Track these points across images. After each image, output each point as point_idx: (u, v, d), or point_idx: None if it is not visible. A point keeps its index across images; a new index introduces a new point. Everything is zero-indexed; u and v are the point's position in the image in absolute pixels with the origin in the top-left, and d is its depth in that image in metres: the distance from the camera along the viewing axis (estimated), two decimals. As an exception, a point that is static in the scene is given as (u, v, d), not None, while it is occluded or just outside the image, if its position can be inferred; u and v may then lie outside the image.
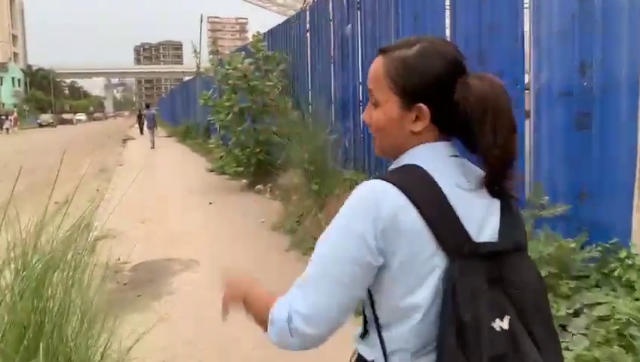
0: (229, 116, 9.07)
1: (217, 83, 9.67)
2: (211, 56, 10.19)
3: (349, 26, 7.06)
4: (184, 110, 29.53)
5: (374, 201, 0.95)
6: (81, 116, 79.24)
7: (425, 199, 0.95)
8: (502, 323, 0.92)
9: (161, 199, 8.70)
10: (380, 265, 0.96)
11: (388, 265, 0.96)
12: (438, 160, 1.01)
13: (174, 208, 7.92)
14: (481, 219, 0.99)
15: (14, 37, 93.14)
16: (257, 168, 9.29)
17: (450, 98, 0.98)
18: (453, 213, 0.95)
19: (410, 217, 0.93)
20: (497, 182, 1.01)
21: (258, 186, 9.15)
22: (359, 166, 6.67)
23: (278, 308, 1.00)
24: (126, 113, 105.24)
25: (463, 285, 0.91)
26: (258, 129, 9.03)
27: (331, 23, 7.71)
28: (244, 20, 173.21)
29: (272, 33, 10.68)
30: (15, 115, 50.72)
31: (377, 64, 1.05)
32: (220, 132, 9.99)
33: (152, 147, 20.43)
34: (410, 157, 1.02)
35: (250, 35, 12.87)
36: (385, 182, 0.96)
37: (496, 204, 1.03)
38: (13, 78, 72.71)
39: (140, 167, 13.75)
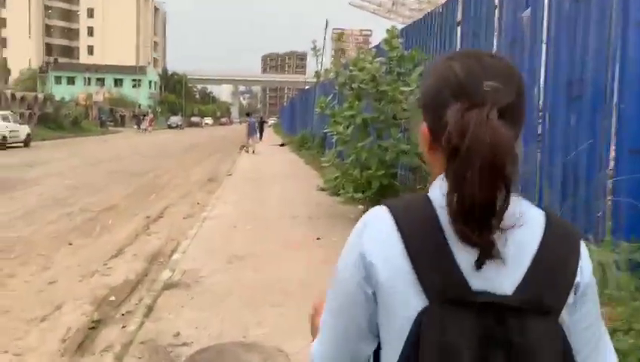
0: (349, 129, 7.32)
1: (338, 87, 7.98)
2: (332, 58, 8.50)
3: (528, 10, 5.00)
4: (302, 119, 28.66)
5: (360, 236, 0.87)
6: (208, 120, 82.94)
7: (415, 229, 0.83)
8: None
9: (260, 226, 7.14)
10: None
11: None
12: (442, 192, 0.83)
13: (272, 242, 6.29)
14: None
15: (155, 43, 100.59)
16: (379, 195, 7.44)
17: (439, 123, 0.83)
18: (446, 248, 0.80)
19: (394, 249, 0.83)
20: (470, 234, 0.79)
21: (379, 218, 7.31)
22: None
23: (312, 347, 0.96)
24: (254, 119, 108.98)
25: (432, 337, 0.78)
26: (384, 146, 7.17)
27: (496, 10, 5.70)
28: (368, 32, 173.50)
29: (407, 32, 8.81)
30: (151, 115, 53.98)
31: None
32: (336, 146, 8.27)
33: (252, 152, 21.23)
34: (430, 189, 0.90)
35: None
36: (383, 208, 0.87)
37: (528, 247, 0.82)
38: (150, 81, 77.99)
39: (248, 179, 12.51)
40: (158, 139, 33.57)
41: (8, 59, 71.18)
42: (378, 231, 0.85)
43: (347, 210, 8.10)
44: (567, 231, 0.87)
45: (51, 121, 33.01)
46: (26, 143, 21.89)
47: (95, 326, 3.98)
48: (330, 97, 8.13)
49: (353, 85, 7.48)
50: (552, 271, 0.82)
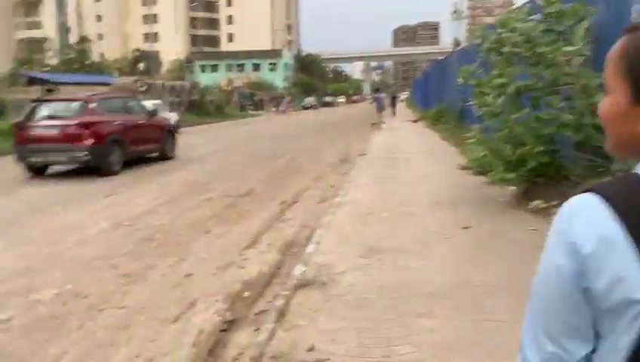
0: (500, 99, 6.38)
1: (485, 53, 7.03)
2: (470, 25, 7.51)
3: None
4: (437, 92, 27.27)
5: (570, 225, 0.78)
6: (341, 99, 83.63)
7: (637, 213, 0.74)
8: None
9: (398, 213, 6.55)
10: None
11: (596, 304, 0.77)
12: None
13: (413, 231, 5.67)
14: None
15: (289, 26, 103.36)
16: (536, 175, 6.44)
17: None
18: None
19: (615, 236, 0.74)
20: None
21: (537, 202, 6.31)
22: None
23: None
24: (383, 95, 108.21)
25: None
26: (543, 118, 6.13)
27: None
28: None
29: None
30: (289, 98, 55.03)
31: (619, 43, 0.84)
32: (483, 121, 7.33)
33: (382, 123, 21.47)
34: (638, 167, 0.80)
35: None
36: (592, 195, 0.78)
37: None
38: (285, 64, 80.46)
39: (382, 158, 11.93)
40: (294, 121, 34.31)
41: (160, 52, 77.96)
42: (592, 219, 0.76)
43: (496, 193, 7.19)
44: None
45: (197, 108, 35.27)
46: (175, 130, 23.38)
47: (227, 327, 3.72)
48: (474, 65, 7.19)
49: (503, 49, 6.50)
50: None
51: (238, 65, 76.18)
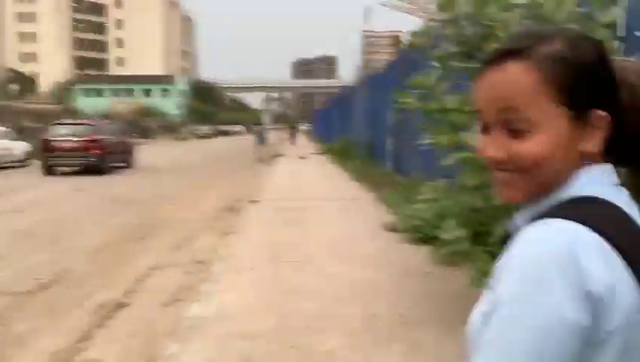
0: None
1: (440, 61, 4.23)
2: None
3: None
4: (340, 124, 25.01)
5: (575, 261, 0.62)
6: (239, 128, 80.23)
7: (631, 243, 0.65)
8: None
9: (293, 330, 3.45)
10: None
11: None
12: (608, 188, 0.72)
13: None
14: None
15: (185, 52, 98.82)
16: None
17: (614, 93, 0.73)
18: None
19: (622, 274, 0.63)
20: None
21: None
22: None
23: None
24: (280, 126, 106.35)
25: None
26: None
27: None
28: (399, 34, 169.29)
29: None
30: (195, 127, 56.63)
31: (514, 73, 0.71)
32: (450, 174, 4.48)
33: (261, 160, 20.22)
34: (575, 189, 0.71)
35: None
36: (581, 227, 0.64)
37: None
38: (179, 90, 75.73)
39: (280, 209, 8.82)
40: (179, 152, 30.38)
41: (40, 74, 70.25)
42: (597, 256, 0.63)
43: (463, 285, 4.32)
44: None
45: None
46: (23, 163, 18.77)
47: None
48: (432, 75, 4.35)
49: (477, 52, 3.77)
50: None
51: (127, 91, 70.40)
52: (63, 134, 15.89)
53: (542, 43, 0.71)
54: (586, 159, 0.72)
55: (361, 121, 17.97)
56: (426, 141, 4.07)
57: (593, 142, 0.72)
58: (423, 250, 5.68)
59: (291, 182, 13.00)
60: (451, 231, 4.40)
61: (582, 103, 0.71)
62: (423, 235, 6.05)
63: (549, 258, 0.62)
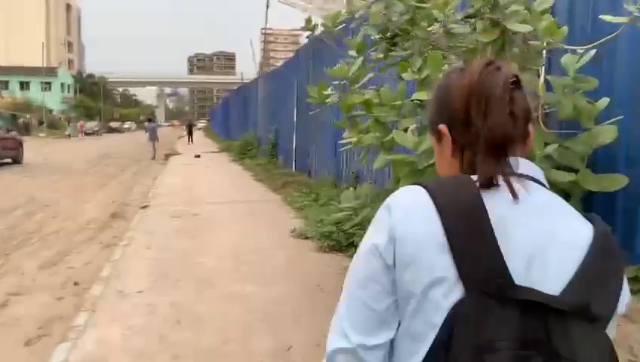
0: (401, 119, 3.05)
1: (359, 45, 3.68)
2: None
3: None
4: (240, 121, 24.12)
5: (391, 206, 0.84)
6: (129, 125, 75.85)
7: (456, 210, 0.78)
8: None
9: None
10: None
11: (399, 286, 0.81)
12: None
13: None
14: (534, 252, 0.77)
15: (70, 44, 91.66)
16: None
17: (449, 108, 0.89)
18: (491, 235, 0.75)
19: (429, 227, 0.78)
20: (491, 177, 0.80)
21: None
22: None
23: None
24: (176, 123, 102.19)
25: (467, 333, 0.71)
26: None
27: None
28: (298, 32, 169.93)
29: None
30: (82, 121, 53.88)
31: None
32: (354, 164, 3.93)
33: (153, 158, 19.75)
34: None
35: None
36: (415, 186, 0.84)
37: (582, 235, 0.80)
38: (62, 84, 69.89)
39: (174, 215, 7.91)
40: (63, 149, 27.77)
41: None
42: (413, 209, 0.80)
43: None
44: (614, 244, 0.81)
45: None
46: None
47: None
48: (353, 61, 3.77)
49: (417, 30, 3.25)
50: (601, 279, 0.77)
51: (0, 83, 63.77)
52: None
53: None
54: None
55: (263, 118, 17.27)
56: (346, 140, 3.50)
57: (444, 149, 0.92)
58: (338, 260, 5.15)
59: (187, 183, 12.00)
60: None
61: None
62: (336, 243, 5.53)
63: (385, 205, 0.85)
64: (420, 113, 2.89)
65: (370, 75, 3.28)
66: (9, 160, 17.40)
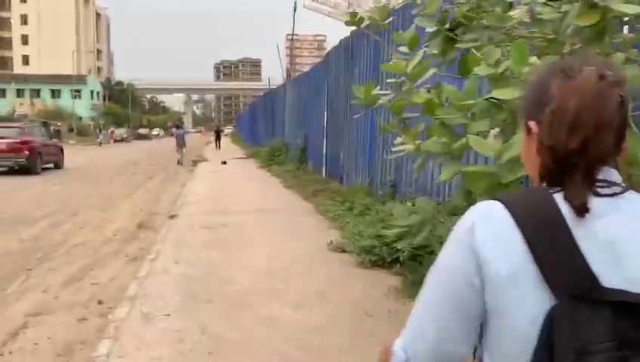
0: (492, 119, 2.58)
1: (412, 39, 3.23)
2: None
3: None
4: (267, 127, 23.86)
5: (474, 225, 0.83)
6: (157, 131, 76.66)
7: (536, 223, 0.79)
8: None
9: None
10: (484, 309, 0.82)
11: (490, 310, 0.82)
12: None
13: None
14: (618, 252, 0.78)
15: (99, 51, 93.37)
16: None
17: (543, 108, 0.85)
18: (572, 242, 0.77)
19: (513, 244, 0.79)
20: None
21: None
22: None
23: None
24: (203, 129, 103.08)
25: (565, 336, 0.73)
26: None
27: None
28: (322, 38, 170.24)
29: None
30: (112, 128, 54.85)
31: None
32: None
33: (180, 164, 19.70)
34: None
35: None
36: (493, 201, 0.85)
37: None
38: (92, 92, 71.05)
39: (204, 226, 7.55)
40: (93, 156, 27.92)
41: None
42: (493, 225, 0.81)
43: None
44: None
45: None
46: None
47: None
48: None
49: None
50: None
51: (33, 91, 65.13)
52: None
53: None
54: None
55: (291, 123, 16.93)
56: (400, 146, 3.04)
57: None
58: (382, 279, 4.70)
59: (216, 190, 11.69)
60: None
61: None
62: (378, 258, 5.08)
63: (463, 222, 0.86)
64: (497, 114, 2.43)
65: (434, 70, 2.82)
66: (51, 165, 18.37)
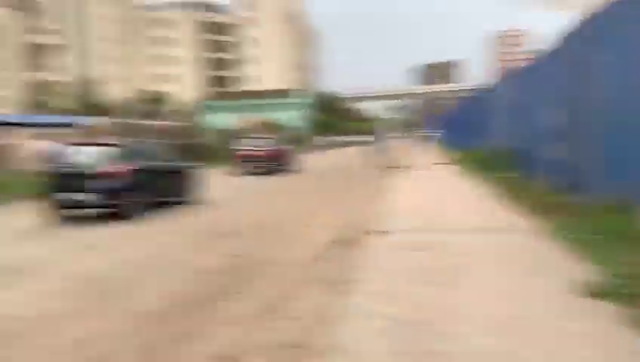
0: None
1: None
2: None
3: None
4: (477, 129, 21.98)
5: None
6: (362, 138, 78.66)
7: None
8: None
9: None
10: None
11: None
12: None
13: None
14: None
15: (310, 65, 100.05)
16: None
17: None
18: None
19: None
20: None
21: None
22: None
23: None
24: (405, 134, 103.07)
25: None
26: None
27: None
28: (518, 32, 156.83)
29: None
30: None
31: None
32: None
33: (382, 171, 19.25)
34: None
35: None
36: None
37: None
38: (303, 104, 76.15)
39: (412, 248, 6.50)
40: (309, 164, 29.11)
41: (171, 94, 74.53)
42: None
43: None
44: None
45: (191, 152, 30.50)
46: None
47: None
48: None
49: None
50: None
51: (254, 106, 72.33)
52: (249, 146, 21.56)
53: None
54: None
55: (509, 124, 15.02)
56: None
57: None
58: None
59: (421, 202, 10.61)
60: None
61: None
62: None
63: None
64: None
65: None
66: (288, 168, 22.32)
